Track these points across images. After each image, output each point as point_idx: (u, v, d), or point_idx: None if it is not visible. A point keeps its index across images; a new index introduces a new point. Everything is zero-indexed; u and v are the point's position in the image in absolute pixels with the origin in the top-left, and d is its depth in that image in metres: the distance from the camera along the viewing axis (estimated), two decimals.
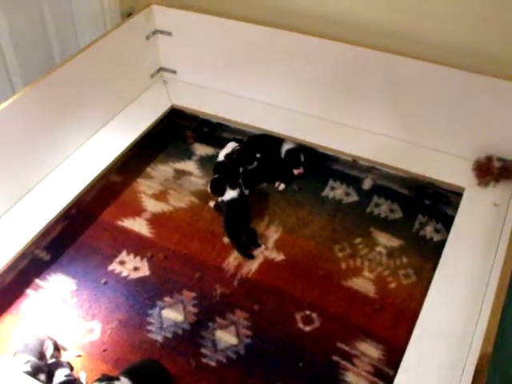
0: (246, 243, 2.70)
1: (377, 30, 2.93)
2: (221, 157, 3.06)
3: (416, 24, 2.85)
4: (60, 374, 2.12)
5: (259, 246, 2.70)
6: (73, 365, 2.24)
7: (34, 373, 2.09)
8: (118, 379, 2.07)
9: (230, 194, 2.76)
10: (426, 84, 2.87)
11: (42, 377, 2.10)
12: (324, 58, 3.03)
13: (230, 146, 3.07)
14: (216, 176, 2.87)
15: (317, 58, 3.05)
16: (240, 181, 2.91)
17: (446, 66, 2.76)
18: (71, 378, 2.14)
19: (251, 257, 2.66)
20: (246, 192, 2.91)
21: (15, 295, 2.51)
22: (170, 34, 3.39)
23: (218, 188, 2.81)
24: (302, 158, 3.04)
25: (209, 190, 2.85)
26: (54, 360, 2.18)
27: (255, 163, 3.09)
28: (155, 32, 3.41)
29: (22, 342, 2.23)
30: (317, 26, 3.03)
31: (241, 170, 3.02)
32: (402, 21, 2.87)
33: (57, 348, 2.26)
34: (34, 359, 2.14)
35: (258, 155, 3.10)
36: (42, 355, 2.19)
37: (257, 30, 3.10)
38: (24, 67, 3.13)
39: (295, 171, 3.03)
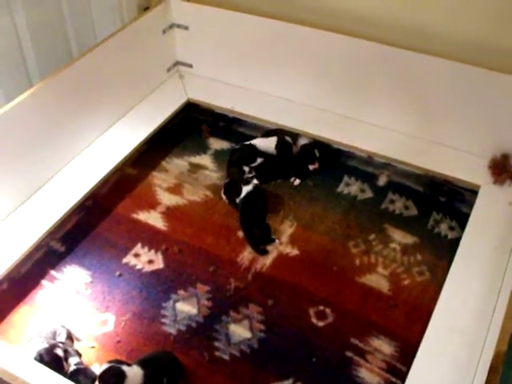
0: (260, 239, 2.70)
1: (394, 27, 2.92)
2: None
3: (432, 20, 2.84)
4: (71, 363, 2.15)
5: (273, 241, 2.71)
6: (87, 356, 2.25)
7: (51, 348, 2.12)
8: (129, 365, 2.09)
9: (245, 190, 2.77)
10: (443, 81, 2.86)
11: (59, 351, 2.12)
12: (341, 54, 3.03)
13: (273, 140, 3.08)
14: (227, 181, 2.87)
15: (333, 54, 3.05)
16: (252, 175, 2.94)
17: (463, 63, 2.75)
18: (82, 366, 2.16)
19: (264, 252, 2.67)
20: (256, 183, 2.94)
21: (31, 286, 2.52)
22: (186, 28, 3.39)
23: (230, 193, 2.82)
24: (317, 154, 3.03)
25: (223, 197, 2.85)
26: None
27: (259, 161, 3.06)
28: (172, 26, 3.41)
29: (36, 330, 2.27)
30: (333, 20, 3.02)
31: (247, 169, 3.01)
32: (419, 17, 2.86)
33: (69, 337, 2.28)
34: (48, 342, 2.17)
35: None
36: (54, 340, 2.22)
37: (273, 24, 3.10)
38: (41, 60, 3.14)
39: (310, 167, 3.03)
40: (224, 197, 2.85)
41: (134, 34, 3.14)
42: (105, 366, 2.05)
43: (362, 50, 2.96)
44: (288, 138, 3.08)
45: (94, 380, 2.08)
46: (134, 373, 2.07)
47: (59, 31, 3.24)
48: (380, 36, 2.91)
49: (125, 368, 2.05)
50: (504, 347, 1.89)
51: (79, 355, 2.23)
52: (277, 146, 3.06)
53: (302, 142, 3.12)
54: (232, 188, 2.82)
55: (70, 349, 2.21)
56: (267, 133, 3.19)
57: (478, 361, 2.12)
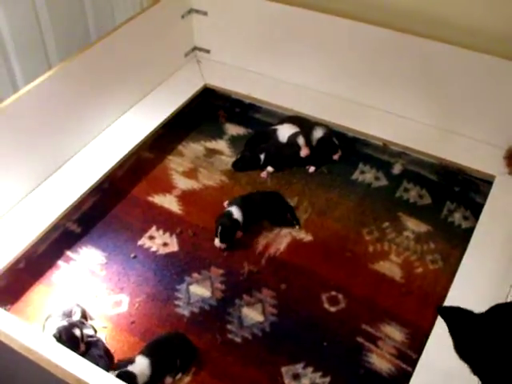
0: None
1: (413, 14, 2.91)
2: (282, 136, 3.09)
3: (452, 9, 2.83)
4: (85, 336, 2.19)
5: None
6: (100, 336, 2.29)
7: (70, 327, 2.15)
8: (132, 362, 2.12)
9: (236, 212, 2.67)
10: (460, 70, 2.85)
11: (77, 331, 2.15)
12: (358, 41, 3.03)
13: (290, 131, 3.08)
14: (220, 229, 2.60)
15: (351, 41, 3.05)
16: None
17: (481, 53, 2.74)
18: (95, 338, 2.22)
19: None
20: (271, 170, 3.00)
21: (47, 266, 2.55)
22: (205, 13, 3.40)
23: (227, 240, 2.64)
24: (337, 142, 3.05)
25: (221, 245, 2.63)
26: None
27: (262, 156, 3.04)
28: (191, 11, 3.42)
29: (53, 308, 2.31)
30: (352, 8, 3.02)
31: (262, 156, 3.02)
32: (438, 5, 2.85)
33: (84, 316, 2.31)
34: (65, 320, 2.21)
35: (261, 156, 3.02)
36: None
37: (292, 11, 3.11)
38: (60, 43, 3.17)
39: (335, 156, 3.04)
40: (222, 245, 2.62)
41: (153, 19, 3.15)
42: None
43: (380, 38, 2.95)
44: (301, 140, 3.02)
45: (106, 351, 2.17)
46: (140, 370, 2.10)
47: (79, 14, 3.26)
48: (398, 24, 2.91)
49: (132, 369, 2.08)
50: None
51: (94, 331, 2.27)
52: (289, 138, 3.06)
53: (318, 134, 3.08)
54: (227, 235, 2.62)
55: (86, 323, 2.26)
56: (287, 119, 3.19)
57: None
